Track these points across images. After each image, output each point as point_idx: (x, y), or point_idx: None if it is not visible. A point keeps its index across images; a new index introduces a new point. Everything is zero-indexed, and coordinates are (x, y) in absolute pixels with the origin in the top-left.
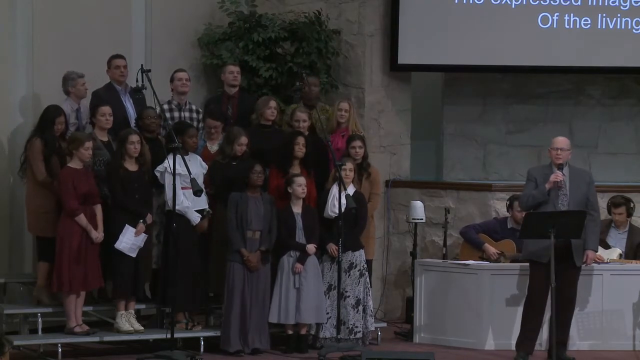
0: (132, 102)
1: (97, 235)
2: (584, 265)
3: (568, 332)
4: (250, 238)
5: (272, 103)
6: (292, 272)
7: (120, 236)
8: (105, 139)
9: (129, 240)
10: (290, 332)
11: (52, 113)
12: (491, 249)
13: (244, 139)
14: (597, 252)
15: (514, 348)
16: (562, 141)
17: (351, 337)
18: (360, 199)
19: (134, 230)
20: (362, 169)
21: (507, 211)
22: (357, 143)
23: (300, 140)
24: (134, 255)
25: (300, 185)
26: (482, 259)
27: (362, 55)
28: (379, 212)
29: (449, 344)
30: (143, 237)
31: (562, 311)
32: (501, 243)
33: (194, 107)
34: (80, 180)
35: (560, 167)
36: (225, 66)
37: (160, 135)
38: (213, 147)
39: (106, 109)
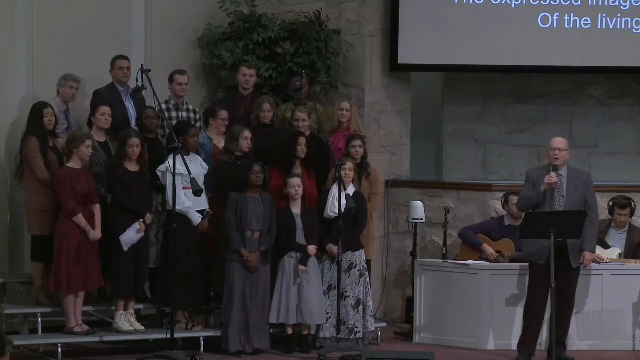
0: (132, 103)
1: (94, 233)
2: (582, 266)
3: (567, 333)
4: (249, 238)
5: (266, 105)
6: (294, 274)
7: (127, 230)
8: (102, 139)
9: (132, 236)
10: (290, 332)
11: (38, 108)
12: (490, 249)
13: (247, 133)
14: (594, 253)
15: (514, 348)
16: (560, 141)
17: (351, 337)
18: (360, 199)
19: (137, 227)
20: (362, 168)
21: (503, 207)
22: (358, 142)
23: (302, 140)
24: (125, 249)
25: (294, 187)
26: (481, 259)
27: (362, 55)
28: (379, 212)
29: (449, 344)
30: (140, 236)
31: (561, 312)
32: (500, 243)
33: (191, 107)
34: (79, 180)
35: (555, 168)
36: (240, 66)
37: (159, 135)
38: (221, 145)
39: (106, 109)
